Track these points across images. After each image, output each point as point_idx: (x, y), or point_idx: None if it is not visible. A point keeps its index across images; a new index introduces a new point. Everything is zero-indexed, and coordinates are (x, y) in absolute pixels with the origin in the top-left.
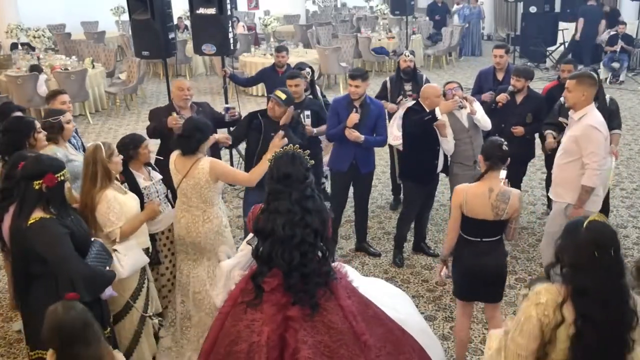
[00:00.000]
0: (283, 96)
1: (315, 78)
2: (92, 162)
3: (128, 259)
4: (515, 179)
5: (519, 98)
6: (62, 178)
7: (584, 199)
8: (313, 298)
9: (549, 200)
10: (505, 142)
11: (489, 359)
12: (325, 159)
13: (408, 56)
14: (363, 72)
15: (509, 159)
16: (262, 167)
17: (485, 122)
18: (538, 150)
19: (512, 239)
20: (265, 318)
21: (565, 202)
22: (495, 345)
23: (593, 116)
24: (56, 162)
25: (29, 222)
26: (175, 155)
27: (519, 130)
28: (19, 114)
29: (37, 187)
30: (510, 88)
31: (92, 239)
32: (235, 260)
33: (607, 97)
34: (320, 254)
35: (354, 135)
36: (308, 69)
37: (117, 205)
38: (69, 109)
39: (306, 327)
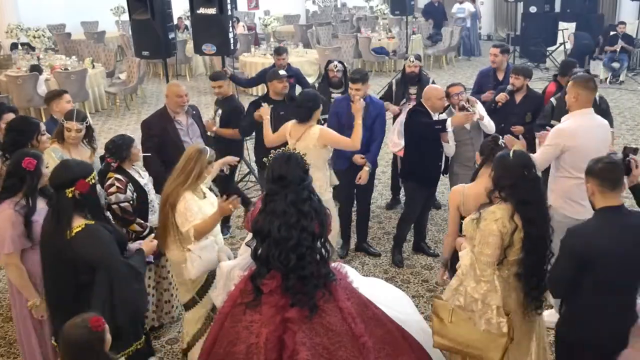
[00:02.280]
0: (284, 72)
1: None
2: (194, 160)
3: (201, 261)
4: None
5: (518, 97)
6: (94, 181)
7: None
8: (312, 300)
9: None
10: (503, 140)
11: (464, 273)
12: None
13: (413, 62)
14: (363, 74)
15: None
16: (358, 131)
17: (491, 126)
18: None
19: None
20: (264, 319)
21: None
22: (467, 261)
23: (571, 122)
24: (84, 166)
25: (75, 231)
26: (290, 124)
27: (518, 129)
28: (11, 114)
29: (70, 195)
30: (510, 87)
31: (135, 248)
32: (235, 261)
33: (597, 95)
34: (318, 256)
35: (361, 162)
36: (336, 62)
37: (195, 206)
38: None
39: (305, 329)
